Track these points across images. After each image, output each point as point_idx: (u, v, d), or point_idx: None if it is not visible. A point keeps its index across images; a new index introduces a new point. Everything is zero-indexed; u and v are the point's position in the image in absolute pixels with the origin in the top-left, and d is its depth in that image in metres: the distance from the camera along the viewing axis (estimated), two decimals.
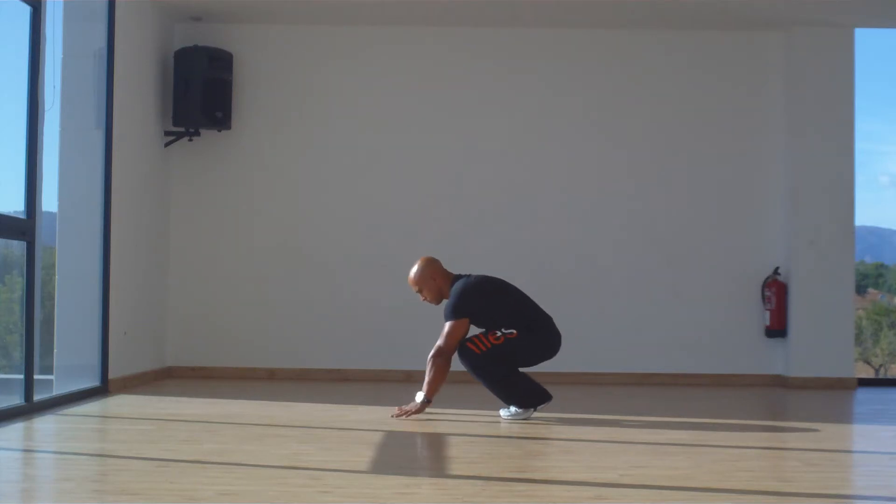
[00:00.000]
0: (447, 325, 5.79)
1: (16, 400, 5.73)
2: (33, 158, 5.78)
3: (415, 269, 5.97)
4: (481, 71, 8.37)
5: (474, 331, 5.94)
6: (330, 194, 8.33)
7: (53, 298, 6.63)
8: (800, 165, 8.19)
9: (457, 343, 5.79)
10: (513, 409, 5.85)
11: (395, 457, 4.79)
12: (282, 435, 5.20)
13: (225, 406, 6.34)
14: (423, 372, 5.95)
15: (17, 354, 5.94)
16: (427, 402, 5.78)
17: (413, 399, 5.88)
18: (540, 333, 5.89)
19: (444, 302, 5.94)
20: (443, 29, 8.39)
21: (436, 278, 5.93)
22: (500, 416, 5.87)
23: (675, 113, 8.40)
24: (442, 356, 5.76)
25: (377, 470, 4.34)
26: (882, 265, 26.82)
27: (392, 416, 5.76)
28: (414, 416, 5.75)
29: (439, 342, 5.77)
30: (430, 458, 4.87)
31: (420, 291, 5.97)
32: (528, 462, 4.49)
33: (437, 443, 5.17)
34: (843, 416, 6.72)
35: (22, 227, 5.69)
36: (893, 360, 18.97)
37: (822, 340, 8.11)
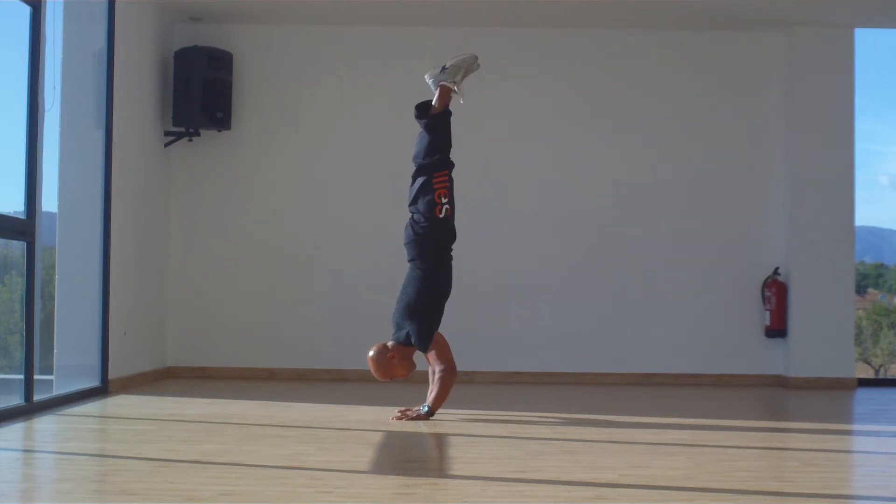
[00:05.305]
0: (433, 352, 5.80)
1: (16, 400, 5.73)
2: (33, 158, 5.79)
3: (371, 366, 5.86)
4: (481, 71, 8.35)
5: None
6: (330, 194, 8.33)
7: (53, 298, 6.63)
8: (800, 165, 8.19)
9: (451, 354, 5.83)
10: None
11: (395, 457, 4.79)
12: (282, 435, 5.20)
13: (225, 406, 6.34)
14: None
15: (18, 354, 5.94)
16: (430, 414, 5.79)
17: (416, 405, 5.91)
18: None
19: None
20: (443, 29, 8.39)
21: (392, 356, 5.83)
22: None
23: (674, 113, 8.40)
24: (452, 373, 5.81)
25: (377, 470, 4.35)
26: (882, 265, 26.82)
27: (392, 419, 5.75)
28: (409, 418, 5.76)
29: (441, 364, 5.78)
30: (430, 458, 4.87)
31: (396, 368, 5.88)
32: (528, 462, 4.49)
33: (437, 443, 5.17)
34: (843, 416, 6.72)
35: (22, 227, 5.69)
36: (893, 360, 18.97)
37: (822, 340, 8.10)
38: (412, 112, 5.97)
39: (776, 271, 8.25)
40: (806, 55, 8.21)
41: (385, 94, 8.36)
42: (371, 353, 5.85)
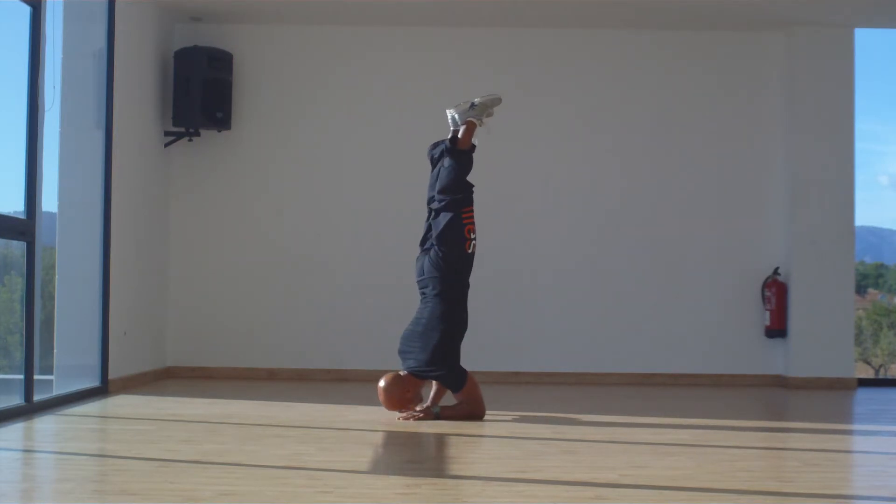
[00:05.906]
0: (461, 393, 5.82)
1: (16, 400, 5.73)
2: (33, 158, 5.79)
3: (383, 397, 5.79)
4: (482, 71, 8.37)
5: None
6: (329, 194, 8.33)
7: (53, 298, 6.63)
8: (800, 166, 8.19)
9: (482, 397, 5.88)
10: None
11: (395, 457, 4.80)
12: (282, 435, 5.20)
13: (225, 406, 6.34)
14: None
15: (18, 354, 5.94)
16: (437, 417, 5.79)
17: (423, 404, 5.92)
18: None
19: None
20: (443, 29, 8.39)
21: (407, 390, 5.81)
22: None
23: (674, 113, 8.40)
24: (481, 413, 5.85)
25: (377, 470, 4.35)
26: (882, 265, 26.78)
27: (399, 419, 5.74)
28: (416, 418, 5.76)
29: (468, 399, 5.81)
30: (430, 458, 4.87)
31: (409, 402, 5.84)
32: (528, 462, 4.49)
33: (437, 443, 5.17)
34: (843, 416, 6.72)
35: (22, 227, 5.69)
36: (893, 360, 18.95)
37: (822, 340, 8.10)
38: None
39: (776, 271, 8.25)
40: (806, 55, 8.21)
41: (385, 95, 8.36)
42: (382, 383, 5.79)
